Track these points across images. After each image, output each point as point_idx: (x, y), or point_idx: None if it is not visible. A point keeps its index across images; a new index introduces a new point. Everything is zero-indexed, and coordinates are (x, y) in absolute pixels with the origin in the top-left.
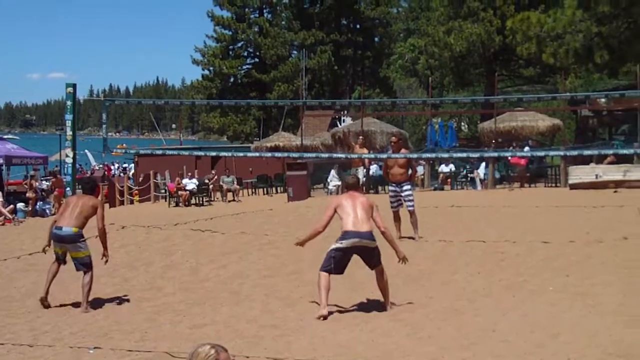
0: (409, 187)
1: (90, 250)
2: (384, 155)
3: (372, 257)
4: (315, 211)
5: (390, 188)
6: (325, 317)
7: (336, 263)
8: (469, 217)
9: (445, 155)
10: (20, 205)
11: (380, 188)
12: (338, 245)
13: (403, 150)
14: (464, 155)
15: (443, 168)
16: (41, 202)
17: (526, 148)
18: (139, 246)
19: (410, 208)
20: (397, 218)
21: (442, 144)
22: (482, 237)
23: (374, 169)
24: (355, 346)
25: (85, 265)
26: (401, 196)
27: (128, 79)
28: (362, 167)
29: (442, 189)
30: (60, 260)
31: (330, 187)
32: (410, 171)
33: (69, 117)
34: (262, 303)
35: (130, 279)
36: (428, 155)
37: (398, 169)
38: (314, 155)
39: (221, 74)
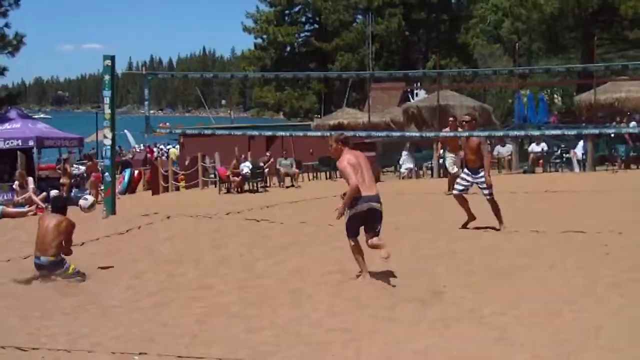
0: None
1: (72, 262)
2: (465, 134)
3: (378, 221)
4: (385, 199)
5: (465, 171)
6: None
7: (356, 227)
8: (565, 204)
9: (536, 132)
10: (53, 192)
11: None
12: (354, 211)
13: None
14: (559, 132)
15: (533, 147)
16: (76, 189)
17: (632, 123)
18: (186, 238)
19: (489, 196)
20: (463, 201)
21: (531, 119)
22: (582, 227)
23: None
24: (435, 354)
25: (76, 274)
26: (476, 184)
27: (171, 49)
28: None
29: (533, 172)
30: None
31: (402, 170)
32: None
33: (107, 93)
34: (327, 304)
35: (177, 276)
36: (516, 132)
37: (470, 154)
38: (383, 134)
39: (276, 42)
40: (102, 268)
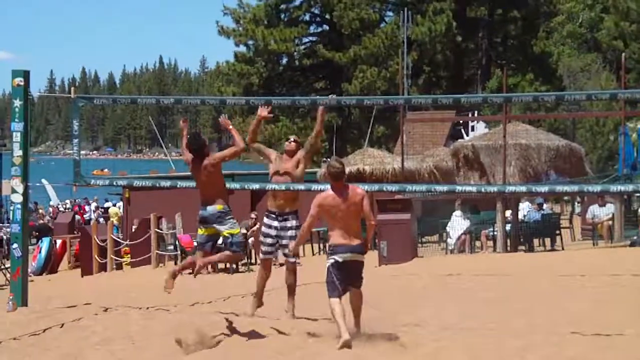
0: (295, 223)
1: None
2: (544, 188)
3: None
4: (426, 282)
5: (267, 221)
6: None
7: (338, 282)
8: None
9: None
10: None
11: (537, 242)
12: (331, 261)
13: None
14: None
15: None
16: None
17: None
18: (132, 342)
19: (292, 262)
20: (264, 273)
21: None
22: None
23: (525, 208)
24: None
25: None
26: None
27: (112, 60)
28: None
29: None
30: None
31: (450, 239)
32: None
33: (17, 126)
34: None
35: None
36: (621, 187)
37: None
38: (423, 187)
39: (267, 51)
40: None
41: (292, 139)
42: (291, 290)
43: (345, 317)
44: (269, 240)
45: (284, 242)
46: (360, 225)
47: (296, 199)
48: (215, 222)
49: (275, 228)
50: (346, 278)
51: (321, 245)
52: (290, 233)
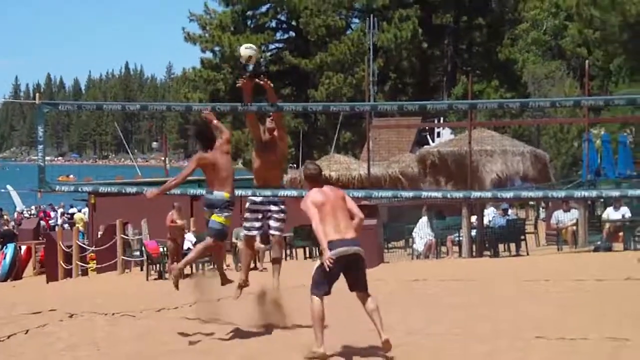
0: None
1: None
2: (509, 194)
3: (360, 270)
4: (392, 287)
5: (251, 203)
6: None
7: (325, 280)
8: None
9: (615, 192)
10: None
11: (502, 247)
12: (322, 259)
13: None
14: None
15: (610, 214)
16: None
17: None
18: (97, 348)
19: (276, 234)
20: (249, 250)
21: (608, 172)
22: None
23: (490, 214)
24: None
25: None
26: (269, 213)
27: (77, 66)
28: None
29: (609, 249)
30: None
31: (416, 245)
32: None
33: None
34: None
35: None
36: (584, 192)
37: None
38: (389, 193)
39: (234, 58)
40: None
41: (271, 117)
42: (277, 263)
43: (324, 325)
44: (256, 216)
45: (271, 222)
46: (350, 220)
47: (280, 174)
48: (218, 208)
49: (262, 211)
50: (343, 277)
51: (288, 251)
52: (276, 216)
